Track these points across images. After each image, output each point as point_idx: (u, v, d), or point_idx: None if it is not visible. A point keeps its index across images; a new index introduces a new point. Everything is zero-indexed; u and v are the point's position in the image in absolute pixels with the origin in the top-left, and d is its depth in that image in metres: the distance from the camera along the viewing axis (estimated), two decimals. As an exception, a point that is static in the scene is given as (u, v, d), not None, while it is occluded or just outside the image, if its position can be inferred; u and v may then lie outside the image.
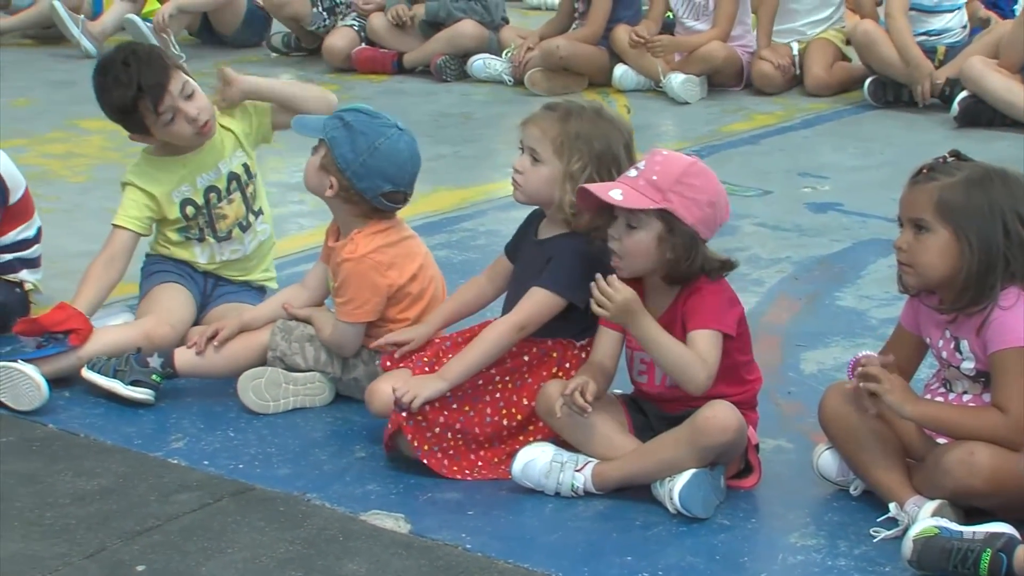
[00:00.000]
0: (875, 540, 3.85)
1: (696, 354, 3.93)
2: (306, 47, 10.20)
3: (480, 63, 9.48)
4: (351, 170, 4.49)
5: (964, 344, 3.91)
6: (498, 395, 4.24)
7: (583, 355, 4.24)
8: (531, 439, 4.20)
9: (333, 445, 4.41)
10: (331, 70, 9.80)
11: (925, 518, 3.73)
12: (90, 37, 10.11)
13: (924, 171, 3.92)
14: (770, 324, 5.31)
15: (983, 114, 8.21)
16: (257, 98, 5.09)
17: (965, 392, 3.98)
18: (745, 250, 5.99)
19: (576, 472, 4.06)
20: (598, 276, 3.98)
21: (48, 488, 4.11)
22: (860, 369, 3.86)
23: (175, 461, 4.30)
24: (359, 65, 9.74)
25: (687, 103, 8.91)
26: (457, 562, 3.76)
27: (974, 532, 3.64)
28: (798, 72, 9.17)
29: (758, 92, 9.12)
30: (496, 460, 4.21)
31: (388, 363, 4.44)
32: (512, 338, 4.22)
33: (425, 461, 4.16)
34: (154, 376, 4.62)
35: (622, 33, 9.08)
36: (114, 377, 4.61)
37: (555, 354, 4.28)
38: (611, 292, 3.95)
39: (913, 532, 3.66)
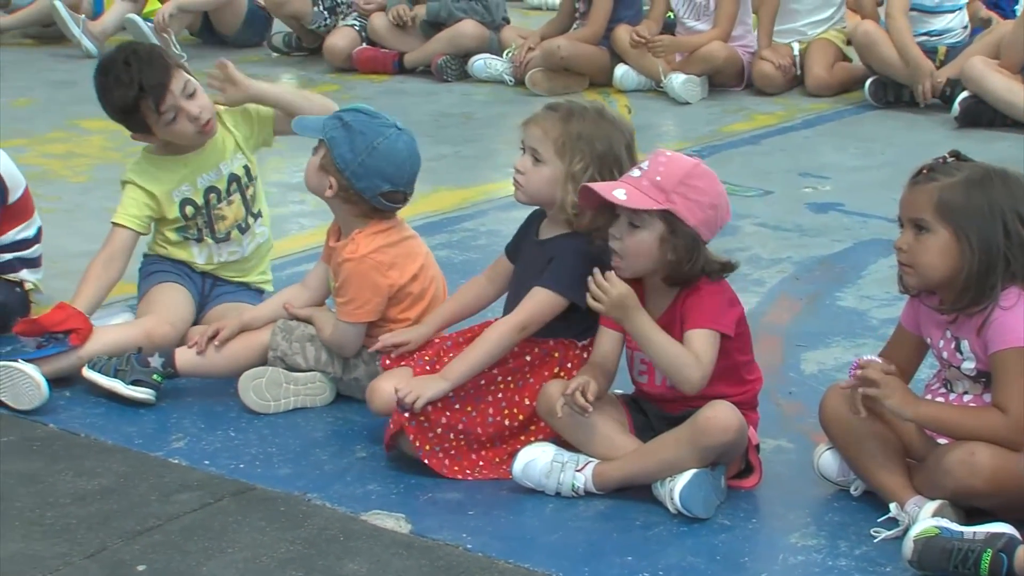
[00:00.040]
0: (876, 540, 3.85)
1: (691, 353, 3.93)
2: (307, 46, 10.20)
3: (481, 63, 9.49)
4: (350, 170, 4.49)
5: (965, 344, 3.91)
6: (500, 395, 4.24)
7: (584, 355, 4.24)
8: (532, 439, 4.20)
9: (334, 445, 4.41)
10: (332, 70, 9.81)
11: (926, 518, 3.73)
12: (91, 37, 10.12)
13: (924, 171, 3.92)
14: (771, 324, 5.31)
15: (984, 114, 8.21)
16: (260, 103, 5.09)
17: (966, 392, 3.98)
18: (746, 250, 5.99)
19: (577, 472, 4.06)
20: (595, 271, 3.98)
21: (49, 488, 4.12)
22: (859, 373, 3.85)
23: (176, 461, 4.30)
24: (360, 65, 9.75)
25: (688, 103, 8.91)
26: (458, 562, 3.76)
27: (975, 532, 3.64)
28: (799, 72, 9.18)
29: (759, 92, 9.12)
30: (497, 460, 4.21)
31: (387, 361, 4.44)
32: (514, 338, 4.22)
33: (426, 461, 4.17)
34: (155, 376, 4.62)
35: (623, 33, 9.08)
36: (115, 377, 4.61)
37: (557, 354, 4.28)
38: (607, 286, 3.96)
39: (914, 532, 3.66)
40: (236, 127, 5.11)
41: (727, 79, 9.16)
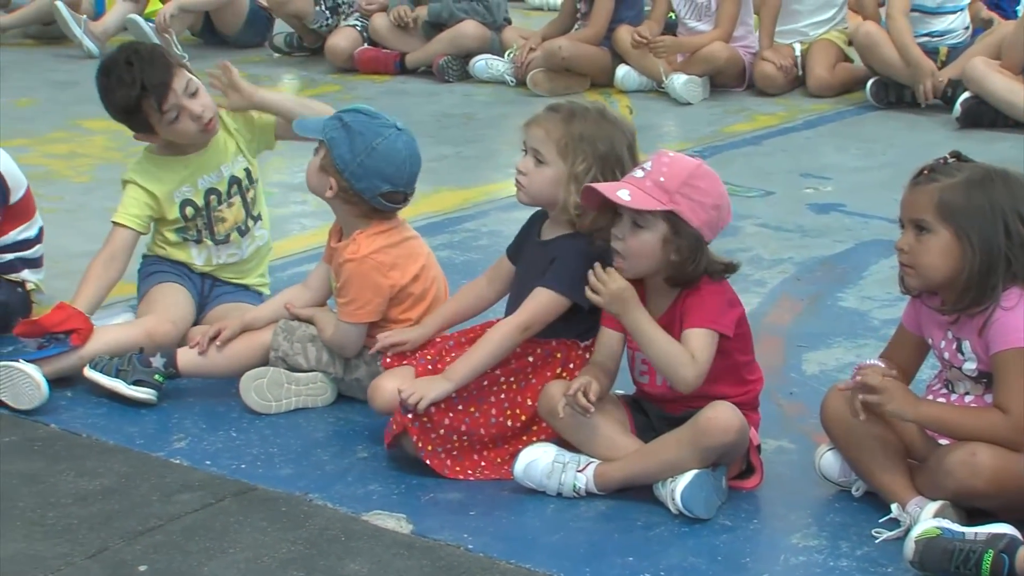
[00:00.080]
0: (877, 541, 3.85)
1: (687, 352, 3.93)
2: (308, 46, 10.20)
3: (482, 64, 9.49)
4: (349, 171, 4.49)
5: (966, 345, 3.91)
6: (503, 396, 4.24)
7: (587, 355, 4.24)
8: (534, 439, 4.20)
9: (335, 445, 4.41)
10: (333, 70, 9.81)
11: (927, 519, 3.73)
12: (92, 37, 10.12)
13: (925, 172, 3.92)
14: (772, 325, 5.31)
15: (985, 115, 8.21)
16: (263, 110, 5.09)
17: (967, 393, 3.98)
18: (747, 251, 5.99)
19: (578, 472, 4.06)
20: (596, 265, 3.99)
21: (50, 488, 4.12)
22: (859, 378, 3.85)
23: (177, 461, 4.30)
24: (361, 65, 9.75)
25: (689, 104, 8.91)
26: (459, 562, 3.76)
27: (976, 533, 3.64)
28: (800, 73, 9.18)
29: (760, 93, 9.12)
30: (499, 460, 4.21)
31: (388, 359, 4.44)
32: (517, 339, 4.22)
33: (428, 462, 4.17)
34: (157, 376, 4.62)
35: (624, 34, 9.08)
36: (117, 377, 4.61)
37: (559, 355, 4.28)
38: (606, 278, 3.97)
39: (915, 533, 3.66)
40: (238, 130, 5.11)
41: (728, 80, 9.16)
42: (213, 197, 5.06)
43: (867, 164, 7.60)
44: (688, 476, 3.95)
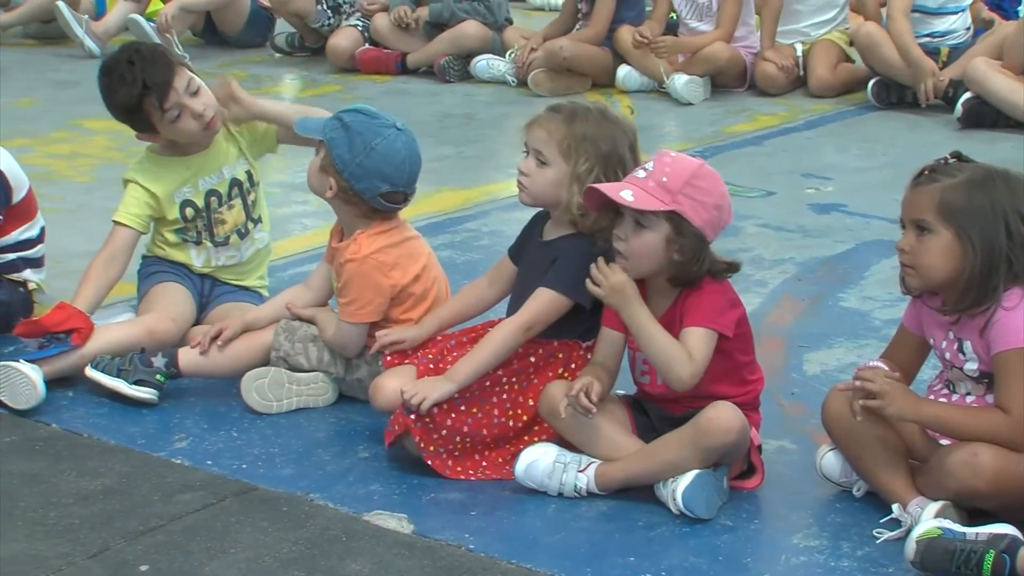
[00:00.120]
0: (878, 541, 3.85)
1: (685, 350, 3.93)
2: (309, 46, 10.20)
3: (483, 64, 9.49)
4: (348, 171, 4.50)
5: (967, 345, 3.91)
6: (505, 396, 4.24)
7: (588, 356, 4.24)
8: (535, 440, 4.20)
9: (336, 445, 4.41)
10: (335, 70, 9.81)
11: (928, 519, 3.73)
12: (94, 37, 10.12)
13: (926, 172, 3.92)
14: (773, 325, 5.31)
15: (987, 115, 8.21)
16: (263, 120, 5.09)
17: (968, 393, 3.98)
18: (748, 251, 5.99)
19: (579, 473, 4.06)
20: (600, 259, 3.99)
21: (52, 488, 4.12)
22: (858, 384, 3.84)
23: (178, 461, 4.30)
24: (363, 65, 9.75)
25: (690, 104, 8.91)
26: (460, 562, 3.76)
27: (977, 533, 3.64)
28: (801, 73, 9.17)
29: (761, 93, 9.12)
30: (500, 460, 4.21)
31: (389, 357, 4.44)
32: (519, 339, 4.22)
33: (429, 462, 4.17)
34: (158, 376, 4.62)
35: (626, 34, 9.08)
36: (118, 376, 4.61)
37: (561, 355, 4.28)
38: (607, 271, 3.97)
39: (916, 533, 3.66)
40: (240, 133, 5.11)
41: (730, 80, 9.16)
42: (213, 199, 5.06)
43: (868, 164, 7.60)
44: (689, 476, 3.95)
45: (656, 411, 4.16)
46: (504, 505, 4.07)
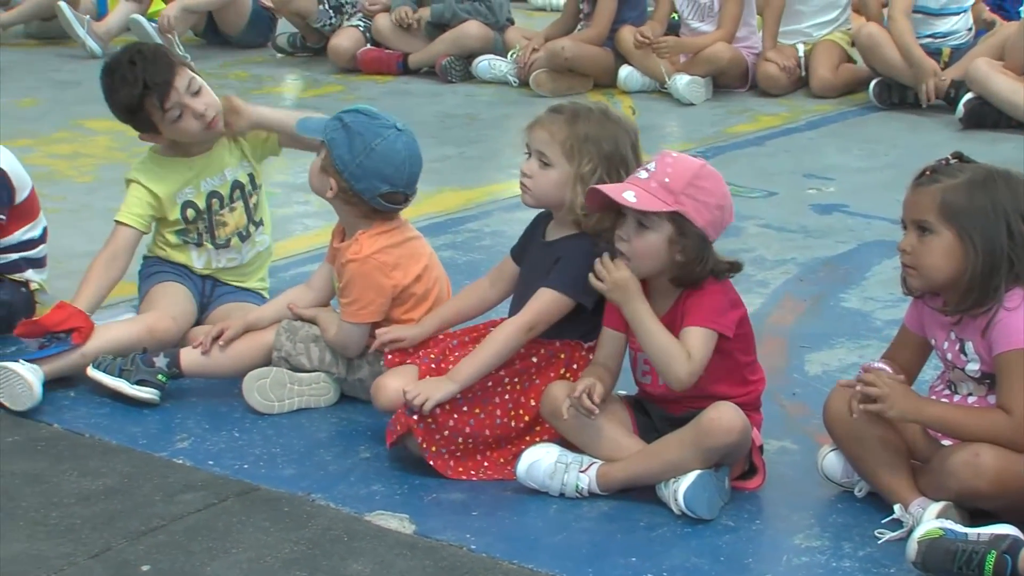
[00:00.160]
0: (880, 542, 3.85)
1: (683, 349, 3.93)
2: (311, 46, 10.20)
3: (485, 64, 9.49)
4: (348, 171, 4.50)
5: (969, 346, 3.91)
6: (507, 396, 4.24)
7: (590, 356, 4.24)
8: (537, 440, 4.20)
9: (338, 446, 4.41)
10: (336, 70, 9.81)
11: (930, 520, 3.73)
12: (95, 37, 10.12)
13: (927, 173, 3.92)
14: (775, 325, 5.31)
15: (988, 116, 8.21)
16: (264, 129, 5.09)
17: (970, 394, 3.98)
18: (750, 251, 5.99)
19: (580, 473, 4.06)
20: (605, 255, 3.99)
21: (53, 488, 4.12)
22: (860, 388, 3.84)
23: (180, 461, 4.30)
24: (364, 66, 9.75)
25: (692, 104, 8.91)
26: (462, 563, 3.76)
27: (979, 534, 3.64)
28: (803, 74, 9.18)
29: (763, 93, 9.13)
30: (502, 461, 4.21)
31: (390, 356, 4.44)
32: (521, 339, 4.22)
33: (431, 463, 4.17)
34: (160, 376, 4.62)
35: (627, 34, 9.09)
36: (120, 376, 4.61)
37: (563, 355, 4.28)
38: (611, 266, 3.97)
39: (918, 534, 3.66)
40: (244, 136, 5.11)
41: (731, 80, 9.17)
42: (215, 200, 5.06)
43: (870, 165, 7.60)
44: (691, 477, 3.95)
45: (657, 411, 4.16)
46: (506, 505, 4.07)
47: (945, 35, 8.88)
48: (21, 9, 10.70)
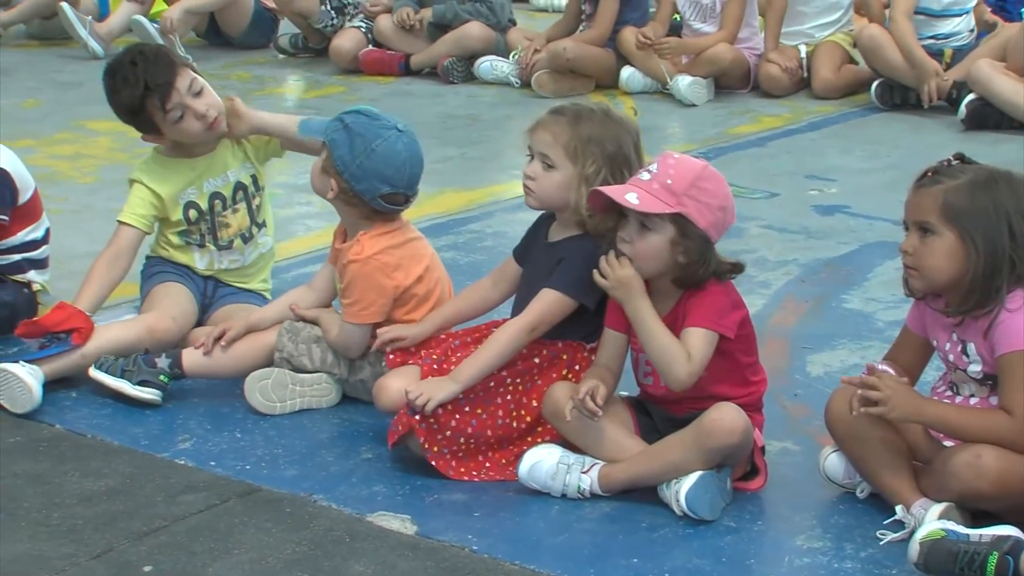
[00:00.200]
0: (881, 543, 3.85)
1: (683, 349, 3.93)
2: (313, 47, 10.20)
3: (487, 65, 9.49)
4: (348, 172, 4.50)
5: (971, 347, 3.91)
6: (509, 397, 4.24)
7: (592, 357, 4.24)
8: (538, 441, 4.21)
9: (340, 446, 4.41)
10: (338, 71, 9.82)
11: (932, 521, 3.73)
12: (97, 38, 10.13)
13: (929, 174, 3.92)
14: (777, 326, 5.31)
15: (990, 117, 8.22)
16: (264, 134, 5.09)
17: (972, 395, 3.98)
18: (752, 252, 6.00)
19: (582, 474, 4.06)
20: (611, 252, 3.99)
21: (55, 488, 4.12)
22: (861, 392, 3.84)
23: (182, 462, 4.30)
24: (366, 67, 9.75)
25: (694, 105, 8.91)
26: (463, 563, 3.76)
27: (980, 535, 3.64)
28: (805, 75, 9.18)
29: (765, 94, 9.13)
30: (503, 461, 4.22)
31: (392, 356, 4.45)
32: (523, 340, 4.22)
33: (433, 463, 4.17)
34: (162, 377, 4.62)
35: (629, 35, 9.09)
36: (122, 377, 4.62)
37: (565, 356, 4.28)
38: (615, 264, 3.98)
39: (919, 535, 3.66)
40: (247, 138, 5.11)
41: (733, 81, 9.17)
42: (217, 202, 5.06)
43: (871, 166, 7.60)
44: (693, 477, 3.95)
45: (659, 412, 4.16)
46: (507, 506, 4.07)
47: (947, 36, 8.88)
48: (21, 8, 10.71)
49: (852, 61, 9.27)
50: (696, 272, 3.99)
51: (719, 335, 3.97)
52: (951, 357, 3.97)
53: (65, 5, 10.15)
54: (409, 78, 9.65)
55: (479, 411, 4.21)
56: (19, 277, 5.19)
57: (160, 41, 9.36)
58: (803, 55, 9.19)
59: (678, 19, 9.35)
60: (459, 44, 9.55)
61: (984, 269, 3.81)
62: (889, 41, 8.70)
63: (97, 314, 4.85)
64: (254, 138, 5.11)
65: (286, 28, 10.44)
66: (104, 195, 6.65)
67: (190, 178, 5.04)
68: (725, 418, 3.93)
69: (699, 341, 3.95)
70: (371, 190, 4.51)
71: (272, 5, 10.36)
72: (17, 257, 5.18)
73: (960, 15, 8.90)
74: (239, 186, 5.10)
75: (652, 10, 9.50)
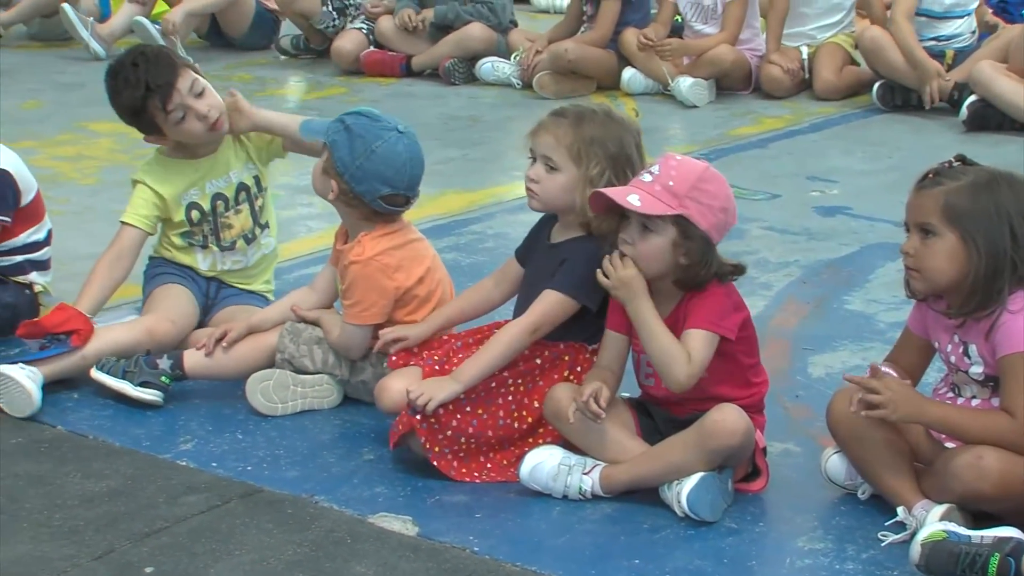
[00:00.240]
0: (883, 544, 3.85)
1: (684, 350, 3.93)
2: (314, 47, 10.21)
3: (488, 66, 9.49)
4: (348, 173, 4.50)
5: (973, 348, 3.91)
6: (510, 398, 4.24)
7: (594, 359, 4.24)
8: (540, 442, 4.21)
9: (341, 447, 4.42)
10: (339, 72, 9.82)
11: (933, 522, 3.73)
12: (99, 39, 10.13)
13: (930, 176, 3.92)
14: (778, 328, 5.31)
15: (992, 118, 8.21)
16: (265, 131, 5.09)
17: (974, 397, 3.98)
18: (753, 254, 6.00)
19: (584, 475, 4.06)
20: (614, 253, 4.00)
21: (57, 490, 4.12)
22: (861, 395, 3.84)
23: (183, 463, 4.30)
24: (367, 68, 9.75)
25: (695, 106, 8.91)
26: (465, 565, 3.76)
27: (982, 536, 3.64)
28: (807, 76, 9.18)
29: (766, 96, 9.13)
30: (505, 463, 4.22)
31: (394, 358, 4.45)
32: (525, 340, 4.22)
33: (435, 463, 4.17)
34: (163, 378, 4.63)
35: (630, 36, 9.09)
36: (123, 378, 4.62)
37: (567, 357, 4.28)
38: (618, 264, 3.98)
39: (921, 536, 3.66)
40: (249, 138, 5.11)
41: (735, 82, 9.17)
42: (220, 203, 5.06)
43: (873, 167, 7.60)
44: (694, 479, 3.95)
45: (661, 413, 4.16)
46: (509, 507, 4.07)
47: (949, 38, 8.88)
48: (21, 7, 10.70)
49: (854, 62, 9.27)
50: (697, 273, 3.99)
51: (720, 337, 3.97)
52: (952, 359, 3.97)
53: (66, 6, 10.16)
54: (410, 79, 9.65)
55: (480, 411, 4.21)
56: (21, 278, 5.19)
57: (161, 42, 9.36)
58: (805, 56, 9.19)
59: (679, 20, 9.35)
60: (460, 45, 9.55)
61: (985, 271, 3.81)
62: (890, 42, 8.70)
63: (98, 315, 4.85)
64: (256, 139, 5.11)
65: (287, 29, 10.44)
66: (106, 196, 6.65)
67: (193, 179, 5.04)
68: (727, 419, 3.93)
69: (699, 343, 3.95)
70: (371, 191, 4.51)
71: (273, 6, 10.36)
72: (19, 258, 5.18)
73: (962, 17, 8.90)
74: (242, 187, 5.10)
75: (653, 11, 9.50)
